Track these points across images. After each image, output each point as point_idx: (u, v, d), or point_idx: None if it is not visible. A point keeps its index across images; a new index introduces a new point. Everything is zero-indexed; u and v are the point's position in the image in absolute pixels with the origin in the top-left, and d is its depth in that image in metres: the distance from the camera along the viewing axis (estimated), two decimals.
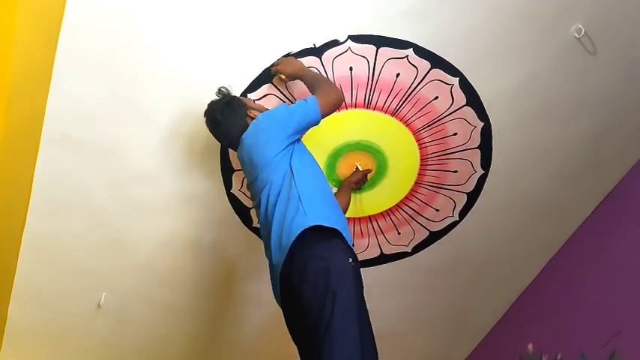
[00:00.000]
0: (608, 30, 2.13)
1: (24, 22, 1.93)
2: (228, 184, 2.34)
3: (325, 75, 2.13)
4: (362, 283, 1.78)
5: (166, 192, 2.33)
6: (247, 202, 2.40)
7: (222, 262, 2.58)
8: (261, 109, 2.05)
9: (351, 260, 1.77)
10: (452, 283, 2.82)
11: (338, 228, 1.82)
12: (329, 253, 1.75)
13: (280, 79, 2.09)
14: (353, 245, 1.92)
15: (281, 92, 2.15)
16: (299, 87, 2.14)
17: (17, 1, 1.89)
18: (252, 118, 1.99)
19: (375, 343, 1.74)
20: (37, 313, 2.60)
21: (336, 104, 2.02)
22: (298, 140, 2.00)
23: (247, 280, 2.65)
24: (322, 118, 1.97)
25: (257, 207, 1.99)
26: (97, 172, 2.24)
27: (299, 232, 1.76)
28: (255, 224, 2.46)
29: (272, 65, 2.07)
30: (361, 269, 1.83)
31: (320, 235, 1.78)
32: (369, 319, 1.74)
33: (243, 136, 1.96)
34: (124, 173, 2.26)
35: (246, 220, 2.45)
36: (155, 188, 2.31)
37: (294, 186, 1.85)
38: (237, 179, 2.33)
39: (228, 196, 2.37)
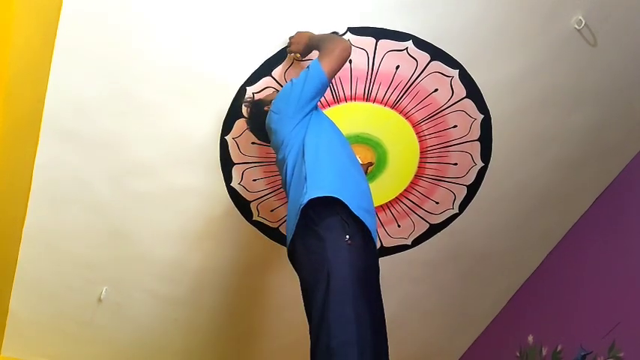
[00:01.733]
0: (608, 21, 2.13)
1: (22, 14, 1.93)
2: (228, 178, 2.34)
3: None
4: (362, 262, 1.67)
5: (166, 185, 2.33)
6: (247, 196, 2.40)
7: (223, 255, 2.58)
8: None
9: (347, 238, 1.67)
10: (452, 275, 2.83)
11: (338, 196, 1.71)
12: (326, 232, 1.68)
13: (296, 58, 2.07)
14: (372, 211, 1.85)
15: (281, 86, 2.15)
16: None
17: None
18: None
19: (379, 326, 1.68)
20: (39, 306, 2.61)
21: (342, 56, 1.89)
22: (315, 108, 1.94)
23: (247, 273, 2.66)
24: (331, 76, 1.88)
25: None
26: (96, 165, 2.24)
27: (299, 213, 1.71)
28: (255, 217, 2.47)
29: (287, 47, 2.06)
30: None
31: (319, 212, 1.71)
32: (370, 300, 1.65)
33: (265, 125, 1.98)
34: (124, 166, 2.26)
35: (246, 213, 2.45)
36: (155, 181, 2.31)
37: (304, 165, 1.80)
38: (236, 173, 2.33)
39: (228, 189, 2.37)
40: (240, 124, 2.20)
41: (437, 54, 2.14)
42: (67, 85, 2.03)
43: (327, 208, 1.71)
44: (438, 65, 2.17)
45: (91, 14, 1.90)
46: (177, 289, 2.65)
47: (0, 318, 2.63)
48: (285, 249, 2.51)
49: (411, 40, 2.10)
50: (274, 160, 2.31)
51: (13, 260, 2.43)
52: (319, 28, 2.03)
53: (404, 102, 2.25)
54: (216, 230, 2.50)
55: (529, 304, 2.86)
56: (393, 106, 2.26)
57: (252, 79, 2.11)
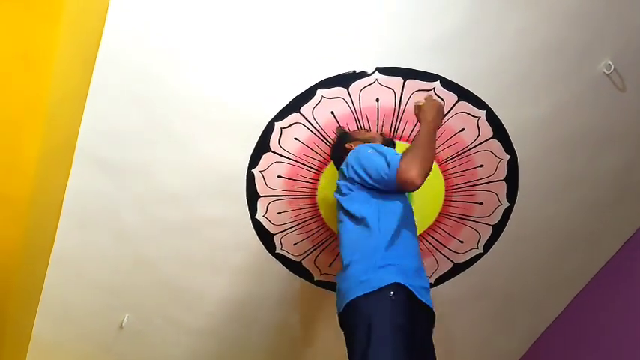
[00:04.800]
0: (637, 66, 2.12)
1: (64, 48, 2.01)
2: (253, 210, 2.36)
3: (352, 103, 2.15)
4: (405, 316, 1.67)
5: (192, 214, 2.36)
6: (271, 228, 2.41)
7: (244, 286, 2.58)
8: (366, 139, 2.08)
9: (392, 293, 1.68)
10: (475, 315, 2.78)
11: (406, 284, 1.72)
12: (374, 297, 1.71)
13: (418, 105, 1.90)
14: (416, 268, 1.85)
15: (308, 122, 2.18)
16: (325, 116, 2.18)
17: (59, 26, 1.97)
18: (349, 150, 2.04)
19: None
20: (62, 329, 2.63)
21: (417, 178, 1.72)
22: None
23: (270, 305, 2.65)
24: (398, 188, 1.77)
25: None
26: (126, 193, 2.28)
27: (366, 290, 1.71)
28: (278, 250, 2.48)
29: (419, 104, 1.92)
30: None
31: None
32: (411, 352, 1.63)
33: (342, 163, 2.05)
34: (152, 194, 2.30)
35: (269, 245, 2.46)
36: (182, 210, 2.34)
37: (360, 245, 1.81)
38: (262, 205, 2.35)
39: (252, 221, 2.39)
40: (267, 158, 2.23)
41: (464, 94, 2.16)
42: (101, 116, 2.09)
43: None
44: (465, 105, 2.18)
45: (127, 50, 1.97)
46: (199, 318, 2.65)
47: (23, 340, 2.67)
48: (307, 284, 2.55)
49: (438, 81, 2.12)
50: (299, 194, 2.33)
51: (39, 283, 2.47)
52: (349, 67, 2.07)
53: None
54: (239, 261, 2.51)
55: (553, 348, 2.80)
56: None
57: (281, 114, 2.15)
